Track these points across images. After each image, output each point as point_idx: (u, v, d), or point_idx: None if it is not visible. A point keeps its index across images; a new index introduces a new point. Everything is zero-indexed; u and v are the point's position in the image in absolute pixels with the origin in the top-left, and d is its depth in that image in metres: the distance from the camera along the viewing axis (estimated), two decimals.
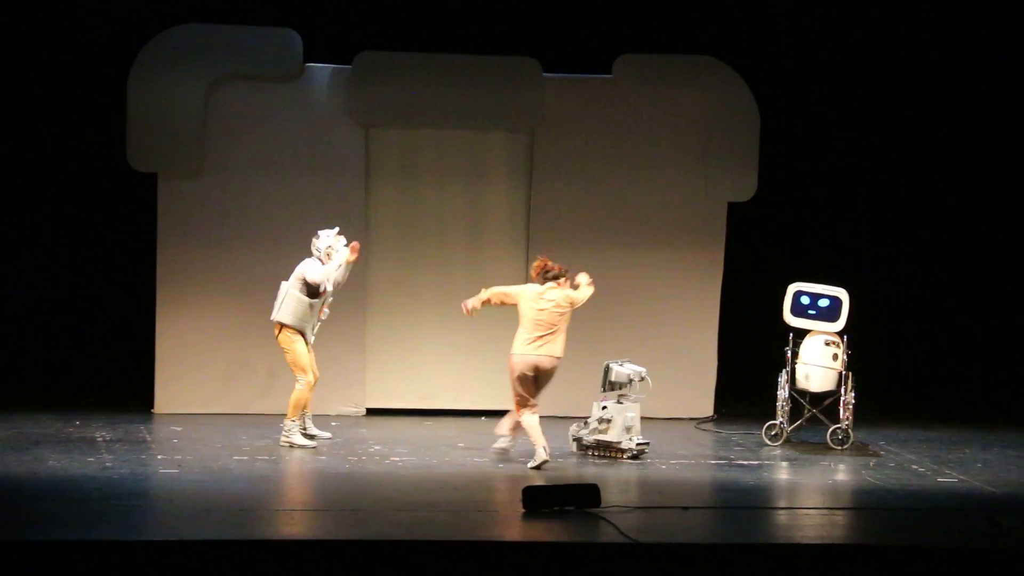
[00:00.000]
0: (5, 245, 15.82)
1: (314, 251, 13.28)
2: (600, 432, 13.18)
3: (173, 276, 14.97)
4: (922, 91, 16.65)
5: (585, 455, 13.19)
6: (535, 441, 12.63)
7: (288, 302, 13.12)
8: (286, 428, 13.17)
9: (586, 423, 13.27)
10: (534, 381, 12.79)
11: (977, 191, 16.99)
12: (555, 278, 12.90)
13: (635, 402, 13.28)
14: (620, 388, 13.34)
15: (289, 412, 13.19)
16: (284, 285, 13.22)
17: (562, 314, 12.85)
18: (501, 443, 13.10)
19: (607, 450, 13.17)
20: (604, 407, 13.20)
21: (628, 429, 13.14)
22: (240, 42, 15.05)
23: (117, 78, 14.92)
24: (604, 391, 13.35)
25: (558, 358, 12.85)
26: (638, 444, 13.15)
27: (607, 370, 13.39)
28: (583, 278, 13.03)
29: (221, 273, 15.04)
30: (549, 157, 15.40)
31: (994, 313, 17.16)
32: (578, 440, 13.31)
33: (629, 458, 13.07)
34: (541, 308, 12.79)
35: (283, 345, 13.18)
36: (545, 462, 12.51)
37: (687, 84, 15.48)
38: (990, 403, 16.56)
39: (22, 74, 15.53)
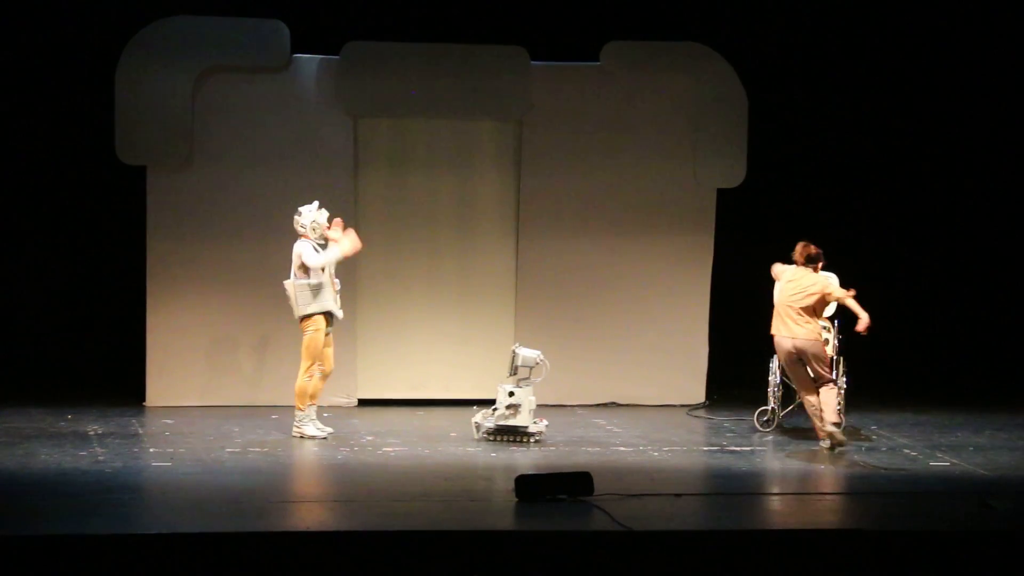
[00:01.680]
0: None
1: (299, 229, 13.25)
2: (508, 417, 13.19)
3: (163, 269, 14.95)
4: (911, 77, 16.66)
5: (489, 440, 13.19)
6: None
7: (300, 294, 13.10)
8: (297, 419, 13.17)
9: (493, 409, 13.27)
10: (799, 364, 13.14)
11: (967, 175, 17.02)
12: (814, 261, 13.27)
13: (531, 385, 13.30)
14: (524, 372, 13.33)
15: (296, 402, 13.18)
16: (288, 284, 13.18)
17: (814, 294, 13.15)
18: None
19: (513, 435, 13.19)
20: (511, 392, 13.21)
21: (531, 412, 13.19)
22: (228, 34, 15.02)
23: (105, 71, 14.88)
24: (510, 375, 13.35)
25: (808, 340, 13.06)
26: (544, 426, 13.24)
27: (514, 355, 13.40)
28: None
29: (211, 265, 15.02)
30: (538, 145, 15.39)
31: (986, 296, 17.19)
32: (480, 427, 13.31)
33: (534, 442, 13.13)
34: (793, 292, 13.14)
35: (304, 333, 13.15)
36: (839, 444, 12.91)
37: (675, 71, 15.47)
38: (982, 386, 16.59)
39: (8, 67, 15.49)
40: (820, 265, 13.43)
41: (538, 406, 13.32)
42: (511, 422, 13.20)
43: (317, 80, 15.15)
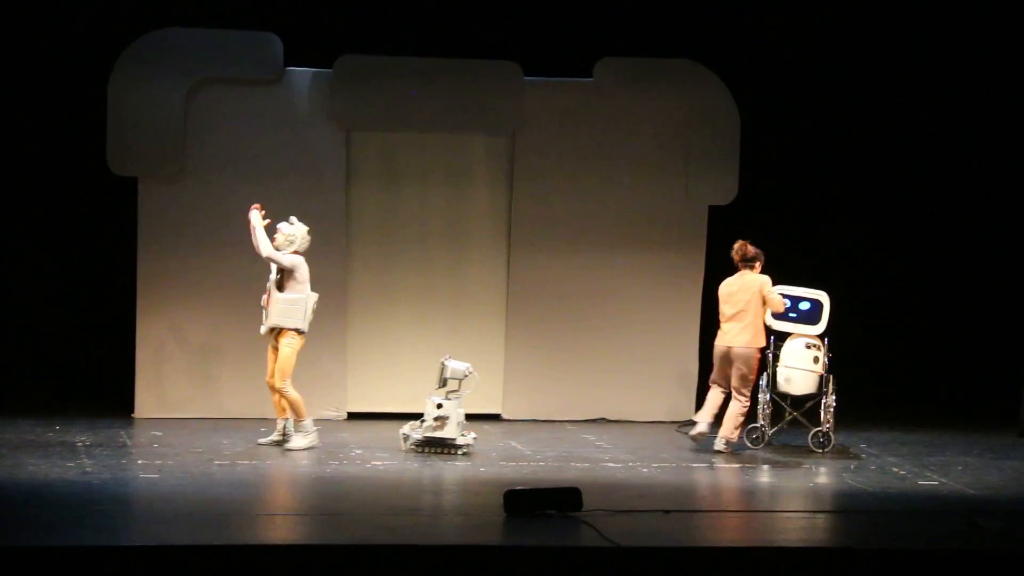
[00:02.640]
0: None
1: (288, 241, 13.25)
2: (436, 429, 13.18)
3: (153, 280, 14.94)
4: (903, 93, 16.68)
5: (417, 453, 13.19)
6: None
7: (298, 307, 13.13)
8: (304, 429, 13.16)
9: (421, 421, 13.26)
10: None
11: (959, 193, 17.03)
12: (751, 261, 13.64)
13: (460, 397, 13.33)
14: (453, 384, 13.37)
15: (302, 413, 13.17)
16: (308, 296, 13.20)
17: (753, 295, 13.55)
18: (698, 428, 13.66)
19: (441, 447, 13.19)
20: (439, 404, 13.22)
21: (459, 424, 13.21)
22: (221, 46, 15.03)
23: (97, 82, 14.88)
24: (439, 387, 13.36)
25: (746, 346, 13.50)
26: (472, 438, 13.28)
27: (442, 367, 13.42)
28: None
29: (202, 277, 15.01)
30: (530, 160, 15.41)
31: (976, 316, 17.20)
32: (407, 438, 13.31)
33: (463, 454, 13.14)
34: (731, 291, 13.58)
35: (290, 347, 13.17)
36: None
37: (668, 87, 15.50)
38: (971, 406, 16.60)
39: (1, 77, 15.47)
40: (758, 265, 13.73)
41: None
42: (439, 434, 13.20)
43: (310, 93, 15.16)
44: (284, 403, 13.30)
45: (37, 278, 15.84)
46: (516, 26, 15.78)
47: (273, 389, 13.28)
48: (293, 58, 15.12)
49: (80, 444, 13.16)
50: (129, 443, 13.43)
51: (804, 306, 13.93)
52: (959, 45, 16.47)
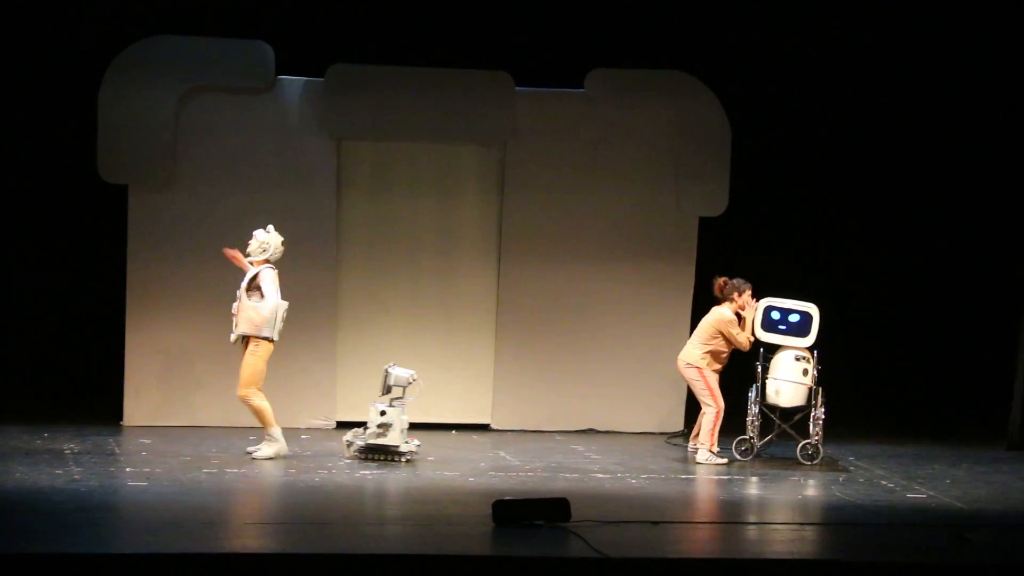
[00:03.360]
0: None
1: (262, 250, 13.23)
2: (379, 436, 13.20)
3: (143, 288, 14.93)
4: (894, 106, 16.71)
5: (360, 460, 13.21)
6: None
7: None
8: (271, 437, 13.13)
9: (364, 428, 13.28)
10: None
11: (948, 206, 17.06)
12: (724, 297, 14.03)
13: (404, 404, 13.37)
14: (398, 391, 13.40)
15: (269, 422, 13.13)
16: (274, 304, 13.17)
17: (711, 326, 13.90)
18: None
19: (384, 454, 13.22)
20: (383, 411, 13.24)
21: (403, 432, 13.23)
22: (212, 54, 15.03)
23: (88, 89, 14.87)
24: (383, 394, 13.39)
25: (684, 362, 13.86)
26: (416, 446, 13.31)
27: (386, 374, 13.45)
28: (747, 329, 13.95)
29: (191, 285, 15.00)
30: (521, 171, 15.42)
31: (964, 329, 17.22)
32: (351, 444, 13.34)
33: (406, 461, 13.16)
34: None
35: (255, 355, 13.14)
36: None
37: (659, 99, 15.52)
38: (960, 419, 16.61)
39: None
40: (738, 295, 13.96)
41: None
42: (382, 441, 13.22)
43: (301, 102, 15.16)
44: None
45: (26, 285, 15.83)
46: (507, 36, 15.80)
47: (244, 399, 13.21)
48: (284, 67, 15.13)
49: (68, 452, 13.14)
50: (117, 451, 13.41)
51: (794, 318, 13.94)
52: (951, 59, 16.50)
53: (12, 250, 15.85)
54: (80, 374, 15.67)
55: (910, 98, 16.69)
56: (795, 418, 14.04)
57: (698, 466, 13.66)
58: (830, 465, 13.83)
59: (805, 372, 13.88)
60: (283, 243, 13.32)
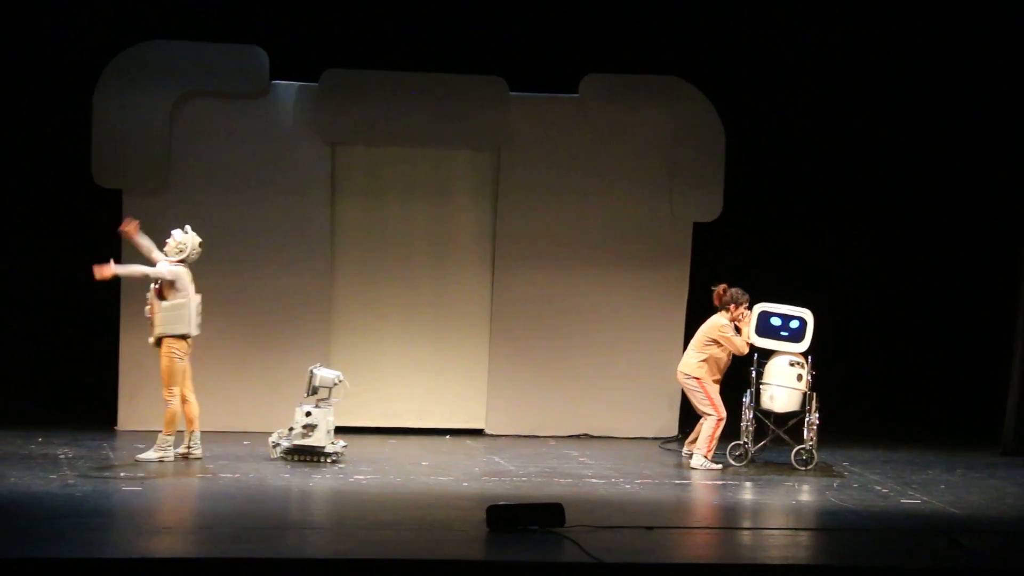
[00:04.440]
0: None
1: (179, 250, 13.15)
2: (304, 437, 13.23)
3: (137, 292, 14.84)
4: (888, 111, 16.72)
5: (286, 461, 13.25)
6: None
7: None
8: (162, 443, 13.09)
9: (290, 429, 13.31)
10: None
11: (943, 211, 17.06)
12: (722, 306, 14.04)
13: (332, 405, 13.43)
14: (324, 392, 13.47)
15: (170, 428, 13.10)
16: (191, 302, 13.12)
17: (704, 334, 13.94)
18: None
19: (310, 455, 13.28)
20: (308, 412, 13.29)
21: (328, 433, 13.27)
22: (206, 59, 15.02)
23: (83, 94, 14.86)
24: (307, 395, 13.45)
25: (683, 373, 13.86)
26: (342, 447, 13.39)
27: (311, 375, 13.51)
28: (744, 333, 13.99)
29: None
30: (515, 176, 15.42)
31: (959, 334, 17.22)
32: (277, 446, 13.39)
33: (331, 462, 13.21)
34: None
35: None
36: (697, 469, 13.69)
37: (653, 104, 15.52)
38: (954, 424, 16.62)
39: None
40: (735, 306, 13.97)
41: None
42: (307, 442, 13.28)
43: (295, 107, 15.16)
44: (192, 413, 13.22)
45: (20, 289, 15.79)
46: (502, 41, 15.80)
47: (183, 399, 13.20)
48: (279, 72, 15.12)
49: (63, 456, 13.13)
50: (112, 455, 13.40)
51: (794, 324, 13.93)
52: (947, 64, 16.51)
53: (6, 253, 15.82)
54: (74, 379, 15.65)
55: (904, 103, 16.70)
56: (789, 423, 14.05)
57: (692, 471, 13.66)
58: (824, 470, 13.84)
59: (799, 377, 13.89)
60: (200, 244, 13.23)
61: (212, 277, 14.90)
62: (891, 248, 17.11)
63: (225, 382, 14.86)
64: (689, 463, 13.82)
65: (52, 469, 12.49)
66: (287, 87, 15.19)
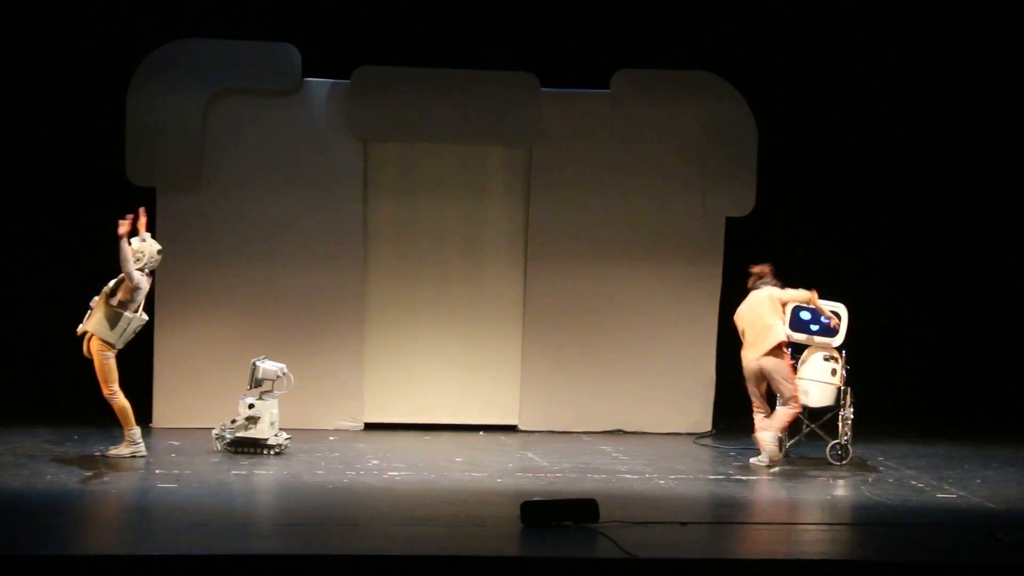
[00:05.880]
0: (2, 258, 15.81)
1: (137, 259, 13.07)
2: (248, 429, 13.30)
3: (171, 290, 14.96)
4: (921, 104, 16.68)
5: (230, 453, 13.32)
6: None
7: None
8: (130, 438, 13.10)
9: (233, 421, 13.39)
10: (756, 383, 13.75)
11: (978, 206, 17.01)
12: (762, 279, 13.88)
13: (275, 398, 13.51)
14: (267, 384, 13.56)
15: (129, 422, 13.10)
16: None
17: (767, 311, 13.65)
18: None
19: (253, 447, 13.36)
20: (251, 405, 13.38)
21: (272, 425, 13.36)
22: (239, 57, 15.06)
23: (117, 92, 14.92)
24: (250, 388, 13.54)
25: (760, 355, 13.61)
26: (285, 439, 13.46)
27: (254, 368, 13.60)
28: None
29: (219, 287, 15.04)
30: (547, 172, 15.41)
31: (995, 328, 17.16)
32: (221, 438, 13.46)
33: (275, 454, 13.31)
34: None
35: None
36: (769, 465, 13.42)
37: (685, 99, 15.49)
38: (990, 419, 16.56)
39: (21, 86, 15.54)
40: (770, 281, 13.89)
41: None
42: (250, 434, 13.36)
43: (327, 104, 15.19)
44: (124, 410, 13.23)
45: (55, 288, 15.85)
46: (533, 37, 15.80)
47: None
48: (311, 69, 15.15)
49: (98, 454, 13.18)
50: (147, 453, 13.44)
51: (824, 318, 13.90)
52: (980, 60, 16.45)
53: (41, 253, 15.90)
54: None
55: (937, 96, 16.64)
56: (824, 418, 14.01)
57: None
58: (859, 465, 13.79)
59: (834, 372, 13.85)
60: (159, 252, 13.12)
61: (245, 274, 14.99)
62: (925, 241, 17.05)
63: None
64: (758, 437, 13.56)
65: (88, 466, 12.55)
66: (319, 84, 15.21)
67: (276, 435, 13.47)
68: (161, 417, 14.91)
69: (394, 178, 15.40)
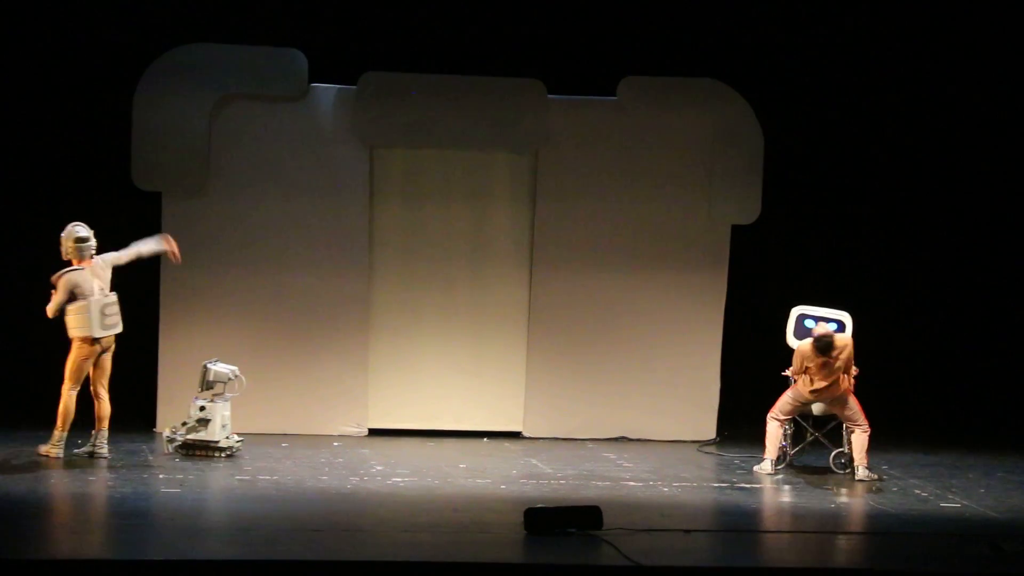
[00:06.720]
0: (7, 262, 15.81)
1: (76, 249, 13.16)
2: (199, 431, 13.34)
3: (176, 295, 14.97)
4: (928, 113, 16.66)
5: (181, 456, 13.35)
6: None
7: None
8: (54, 440, 13.11)
9: (183, 424, 13.42)
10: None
11: (984, 214, 16.99)
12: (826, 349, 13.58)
13: (227, 400, 13.54)
14: (219, 387, 13.58)
15: (63, 424, 13.13)
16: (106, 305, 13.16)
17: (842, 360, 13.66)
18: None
19: (204, 449, 13.39)
20: (202, 407, 13.41)
21: (224, 427, 13.40)
22: (246, 62, 15.07)
23: (123, 97, 14.93)
24: (202, 390, 13.55)
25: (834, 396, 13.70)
26: (236, 442, 13.49)
27: (205, 370, 13.62)
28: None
29: (224, 292, 15.04)
30: (553, 178, 15.41)
31: (999, 337, 17.14)
32: (172, 440, 13.48)
33: (226, 456, 13.32)
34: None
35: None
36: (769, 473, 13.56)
37: (692, 106, 15.49)
38: (994, 428, 16.54)
39: (28, 91, 15.55)
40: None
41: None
42: (200, 436, 13.39)
43: (334, 110, 15.19)
44: (103, 412, 13.25)
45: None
46: (540, 44, 15.80)
47: (96, 396, 13.25)
48: (317, 75, 15.16)
49: (102, 458, 13.18)
50: (151, 458, 13.45)
51: (831, 328, 13.88)
52: (989, 65, 16.43)
53: (47, 257, 15.87)
54: (113, 381, 15.67)
55: (945, 106, 16.63)
56: (828, 427, 14.00)
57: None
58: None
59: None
60: (76, 240, 13.20)
61: (250, 279, 15.00)
62: (931, 250, 17.03)
63: (263, 384, 14.87)
64: (859, 476, 13.50)
65: (92, 471, 12.55)
66: (326, 90, 15.22)
67: (228, 437, 13.47)
68: (165, 422, 14.88)
69: (400, 184, 15.41)
